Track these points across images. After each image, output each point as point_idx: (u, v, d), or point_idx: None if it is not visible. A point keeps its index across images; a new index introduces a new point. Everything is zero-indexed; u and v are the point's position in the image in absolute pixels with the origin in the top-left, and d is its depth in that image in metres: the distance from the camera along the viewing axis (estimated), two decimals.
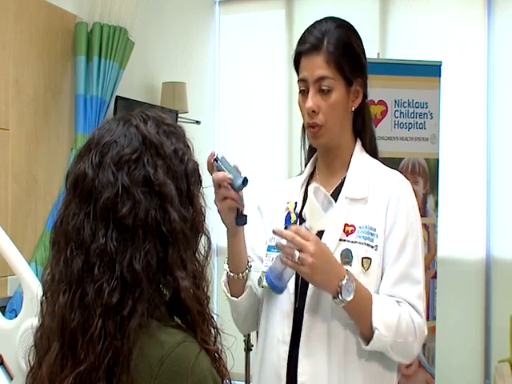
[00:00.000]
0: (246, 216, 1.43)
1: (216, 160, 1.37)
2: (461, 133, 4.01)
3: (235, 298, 1.51)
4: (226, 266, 1.51)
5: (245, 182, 1.36)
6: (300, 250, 1.30)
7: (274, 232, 1.37)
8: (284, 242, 1.34)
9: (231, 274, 1.49)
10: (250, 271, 1.51)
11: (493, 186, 3.98)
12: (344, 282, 1.32)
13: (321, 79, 1.43)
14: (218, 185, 1.38)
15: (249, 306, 1.54)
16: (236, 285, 1.51)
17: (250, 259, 1.52)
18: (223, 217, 1.43)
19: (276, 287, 1.37)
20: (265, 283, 1.41)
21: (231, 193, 1.37)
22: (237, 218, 1.42)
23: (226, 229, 1.47)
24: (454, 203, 3.95)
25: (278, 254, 1.39)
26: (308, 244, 1.30)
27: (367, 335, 1.37)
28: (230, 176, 1.36)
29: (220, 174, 1.37)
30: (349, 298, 1.32)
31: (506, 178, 3.94)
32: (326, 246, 1.35)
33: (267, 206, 1.60)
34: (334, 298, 1.34)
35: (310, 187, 1.35)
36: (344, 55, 1.44)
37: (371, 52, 3.70)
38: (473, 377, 3.95)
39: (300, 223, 1.47)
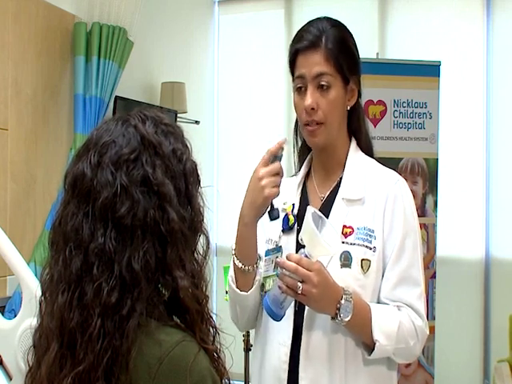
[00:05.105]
0: (278, 210, 1.44)
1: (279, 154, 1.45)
2: (460, 133, 4.01)
3: (245, 293, 1.47)
4: (236, 261, 1.45)
5: None
6: (303, 281, 1.28)
7: (277, 263, 1.34)
8: (281, 262, 1.31)
9: (243, 267, 1.44)
10: (258, 266, 1.48)
11: (492, 186, 3.98)
12: (342, 302, 1.32)
13: (320, 75, 1.43)
14: (277, 173, 1.41)
15: (256, 300, 1.50)
16: (246, 278, 1.46)
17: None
18: (265, 204, 1.40)
19: (275, 314, 1.34)
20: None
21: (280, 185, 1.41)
22: (270, 212, 1.42)
23: (244, 219, 1.43)
24: (453, 203, 3.95)
25: (275, 255, 1.39)
26: (312, 275, 1.28)
27: (369, 346, 1.38)
28: None
29: (279, 165, 1.43)
30: (347, 319, 1.32)
31: (505, 178, 3.95)
32: (327, 272, 1.33)
33: None
34: (332, 318, 1.34)
35: (307, 213, 1.31)
36: (342, 52, 1.44)
37: (370, 52, 3.75)
38: (472, 376, 3.95)
39: (298, 225, 1.46)
